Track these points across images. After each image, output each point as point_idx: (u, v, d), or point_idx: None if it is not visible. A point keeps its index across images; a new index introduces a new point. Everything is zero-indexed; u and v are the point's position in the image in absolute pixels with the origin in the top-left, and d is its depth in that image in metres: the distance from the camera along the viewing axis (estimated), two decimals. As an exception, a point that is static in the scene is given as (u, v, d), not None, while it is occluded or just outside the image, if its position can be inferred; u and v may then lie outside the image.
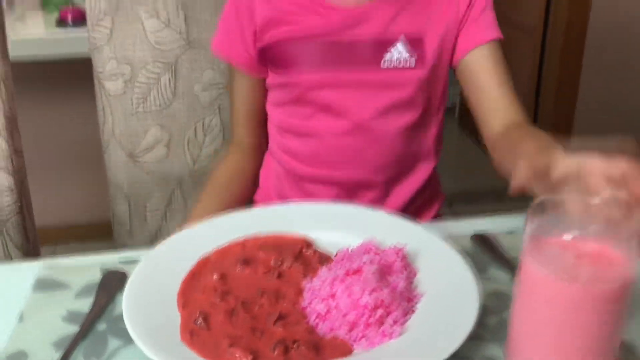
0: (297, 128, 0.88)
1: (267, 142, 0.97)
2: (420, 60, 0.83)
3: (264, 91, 0.92)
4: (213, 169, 0.97)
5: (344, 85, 0.84)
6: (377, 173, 0.87)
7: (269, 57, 0.87)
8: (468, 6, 0.85)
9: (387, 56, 0.82)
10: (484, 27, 0.85)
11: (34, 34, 1.62)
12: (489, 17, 0.86)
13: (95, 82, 1.04)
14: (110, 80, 1.03)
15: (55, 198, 2.08)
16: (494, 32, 0.85)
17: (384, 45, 0.82)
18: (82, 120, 1.97)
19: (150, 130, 1.06)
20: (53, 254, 0.72)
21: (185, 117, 1.06)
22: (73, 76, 2.00)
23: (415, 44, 0.83)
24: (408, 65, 0.83)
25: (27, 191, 0.92)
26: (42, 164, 1.70)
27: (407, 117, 0.85)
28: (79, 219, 2.18)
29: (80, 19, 1.70)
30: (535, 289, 0.45)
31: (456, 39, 0.85)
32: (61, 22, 1.71)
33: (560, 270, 0.43)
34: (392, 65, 0.83)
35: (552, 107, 2.50)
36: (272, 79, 0.89)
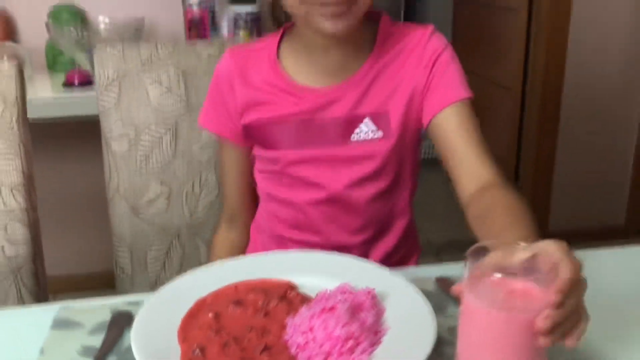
0: (280, 196, 0.96)
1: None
2: (386, 132, 0.90)
3: (251, 159, 1.00)
4: (213, 246, 1.08)
5: (318, 161, 0.92)
6: (355, 236, 0.95)
7: (251, 134, 0.95)
8: (430, 72, 0.89)
9: (356, 131, 0.90)
10: (450, 88, 0.89)
11: (42, 96, 1.74)
12: (456, 77, 0.90)
13: (103, 142, 1.15)
14: (116, 141, 1.14)
15: (62, 248, 2.17)
16: (461, 92, 0.89)
17: (353, 122, 0.90)
18: (87, 176, 2.08)
19: (152, 186, 1.16)
20: (60, 299, 0.81)
21: (184, 174, 1.17)
22: (80, 134, 2.13)
23: (380, 118, 0.90)
24: (376, 137, 0.90)
25: (40, 242, 1.01)
26: (50, 216, 1.79)
27: (379, 185, 0.92)
28: (83, 268, 2.27)
29: (86, 81, 1.82)
30: (473, 318, 0.54)
31: (423, 103, 0.90)
32: (68, 84, 1.82)
33: (492, 303, 0.53)
34: (361, 138, 0.90)
35: (534, 157, 2.62)
36: (256, 150, 0.97)
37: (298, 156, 0.92)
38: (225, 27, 1.90)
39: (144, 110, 1.14)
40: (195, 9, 1.87)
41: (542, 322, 0.51)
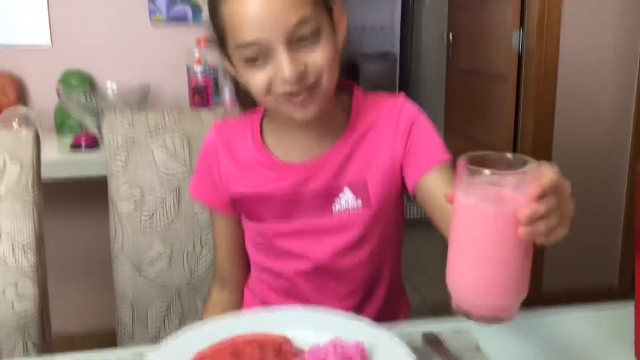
0: (268, 266, 1.01)
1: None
2: (366, 201, 0.93)
3: (242, 227, 1.03)
4: (206, 304, 1.12)
5: (302, 232, 0.95)
6: (344, 301, 0.99)
7: (237, 206, 0.99)
8: (407, 140, 0.93)
9: (337, 202, 0.94)
10: (431, 152, 0.92)
11: (50, 158, 1.81)
12: (434, 141, 0.93)
13: (109, 203, 1.21)
14: (122, 202, 1.20)
15: (66, 305, 2.20)
16: (442, 154, 0.92)
17: (333, 193, 0.94)
18: (92, 234, 2.14)
19: (155, 245, 1.22)
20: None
21: (185, 234, 1.23)
22: (86, 194, 2.20)
23: (359, 187, 0.93)
24: (356, 206, 0.93)
25: (47, 299, 1.06)
26: (55, 273, 1.84)
27: (363, 252, 0.96)
28: (86, 325, 2.29)
29: (92, 144, 1.91)
30: (462, 215, 0.63)
31: (403, 171, 0.94)
32: (75, 146, 1.90)
33: (481, 199, 0.60)
34: (342, 208, 0.93)
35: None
36: (243, 221, 1.01)
37: (282, 229, 0.96)
38: (227, 94, 2.00)
39: (149, 173, 1.21)
40: (199, 77, 1.97)
41: (523, 210, 0.58)
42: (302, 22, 0.82)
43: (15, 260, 1.01)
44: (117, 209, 1.20)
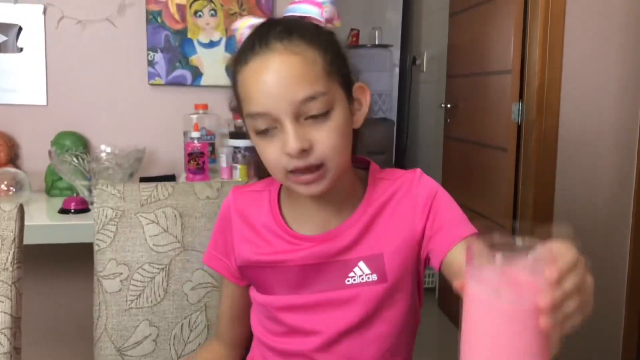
0: (272, 344, 0.95)
1: (247, 339, 1.06)
2: (381, 275, 0.90)
3: (248, 297, 1.01)
4: (195, 354, 1.08)
5: (312, 306, 0.91)
6: None
7: (246, 274, 0.97)
8: (428, 216, 0.90)
9: (351, 274, 0.90)
10: (455, 226, 0.89)
11: (37, 223, 1.74)
12: (457, 215, 0.91)
13: (95, 279, 1.15)
14: (108, 279, 1.14)
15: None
16: (468, 228, 0.89)
17: (348, 266, 0.91)
18: (76, 304, 2.05)
19: (140, 326, 1.14)
20: None
21: (173, 315, 1.15)
22: (72, 259, 2.12)
23: (375, 261, 0.90)
24: (370, 281, 0.90)
25: (21, 385, 0.98)
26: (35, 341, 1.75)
27: (374, 331, 0.91)
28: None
29: (82, 208, 1.84)
30: (475, 305, 0.57)
31: (426, 246, 0.90)
32: (64, 210, 1.84)
33: (495, 290, 0.54)
34: (356, 282, 0.90)
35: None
36: (251, 292, 0.99)
37: (291, 301, 0.92)
38: (224, 160, 1.96)
39: (138, 250, 1.14)
40: (196, 142, 1.93)
41: (543, 298, 0.53)
42: (310, 99, 0.81)
43: (-12, 345, 0.93)
44: (102, 287, 1.14)
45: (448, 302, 3.23)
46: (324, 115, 0.83)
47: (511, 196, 2.70)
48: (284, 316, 0.93)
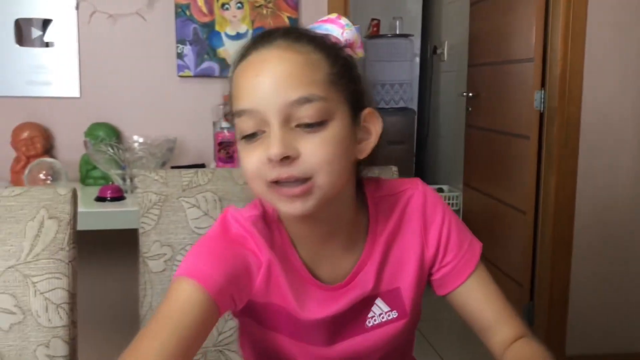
0: None
1: None
2: (402, 310, 0.87)
3: (209, 327, 0.76)
4: None
5: (333, 356, 0.85)
6: None
7: (252, 311, 0.85)
8: (438, 244, 0.87)
9: (370, 314, 0.86)
10: (464, 259, 0.87)
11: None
12: (466, 243, 0.88)
13: (140, 260, 1.21)
14: (152, 260, 1.20)
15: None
16: (471, 261, 0.87)
17: (367, 306, 0.86)
18: (119, 289, 2.12)
19: (184, 304, 1.20)
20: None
21: (214, 293, 1.21)
22: (114, 246, 2.19)
23: (393, 296, 0.86)
24: (391, 318, 0.87)
25: (77, 358, 1.05)
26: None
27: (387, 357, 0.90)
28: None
29: (117, 196, 1.92)
30: None
31: (432, 275, 0.89)
32: (100, 198, 1.91)
33: None
34: (377, 321, 0.86)
35: (549, 280, 2.64)
36: (250, 326, 0.88)
37: (307, 350, 0.85)
38: (252, 149, 2.02)
39: (181, 232, 1.20)
40: (226, 132, 1.99)
41: None
42: (305, 101, 0.73)
43: (49, 319, 1.00)
44: (147, 267, 1.20)
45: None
46: (319, 125, 0.73)
47: (533, 184, 2.73)
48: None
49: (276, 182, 0.74)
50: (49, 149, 2.28)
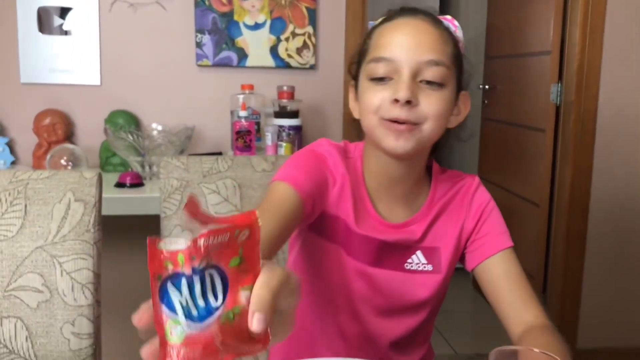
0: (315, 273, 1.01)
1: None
2: (437, 267, 0.99)
3: (300, 214, 0.89)
4: None
5: (371, 277, 0.98)
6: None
7: (321, 221, 0.96)
8: (477, 222, 1.00)
9: (409, 260, 0.99)
10: (497, 237, 0.98)
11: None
12: (501, 227, 1.00)
13: (161, 244, 1.24)
14: (173, 244, 1.23)
15: (116, 343, 2.21)
16: (506, 241, 0.98)
17: (408, 253, 0.99)
18: (141, 272, 2.16)
19: (203, 287, 1.23)
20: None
21: (233, 277, 1.24)
22: (138, 231, 2.23)
23: (432, 253, 0.99)
24: (426, 269, 0.99)
25: (100, 336, 1.08)
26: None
27: (420, 315, 1.01)
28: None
29: (136, 182, 1.95)
30: None
31: (466, 248, 1.00)
32: (119, 184, 1.95)
33: None
34: (413, 268, 0.99)
35: (562, 272, 2.65)
36: (312, 241, 1.00)
37: (352, 264, 0.97)
38: (269, 139, 2.04)
39: (201, 217, 1.23)
40: (243, 121, 2.01)
41: None
42: (434, 63, 0.88)
43: (74, 298, 1.03)
44: (168, 250, 1.23)
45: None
46: (438, 85, 0.89)
47: (548, 177, 2.74)
48: (342, 273, 0.98)
49: (389, 121, 0.88)
50: (69, 136, 2.32)
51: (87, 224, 1.05)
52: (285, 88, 2.22)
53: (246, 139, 2.02)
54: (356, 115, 0.96)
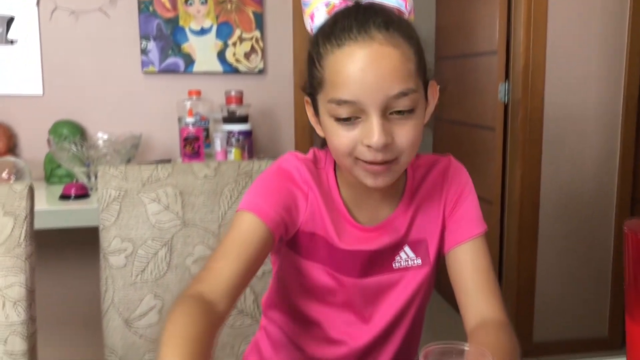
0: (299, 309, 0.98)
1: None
2: (425, 259, 0.96)
3: (266, 251, 0.88)
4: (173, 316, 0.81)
5: (362, 289, 0.95)
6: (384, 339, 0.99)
7: (297, 241, 0.93)
8: (455, 204, 0.96)
9: (397, 258, 0.95)
10: (469, 223, 0.95)
11: (39, 208, 1.79)
12: (474, 212, 0.96)
13: (101, 256, 1.21)
14: (113, 255, 1.20)
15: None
16: (479, 228, 0.95)
17: (395, 250, 0.95)
18: (81, 285, 2.11)
19: (145, 299, 1.20)
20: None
21: (176, 287, 1.22)
22: (76, 244, 2.18)
23: (419, 246, 0.96)
24: (415, 264, 0.96)
25: (36, 353, 1.04)
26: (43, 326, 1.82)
27: (412, 309, 0.98)
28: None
29: (82, 194, 1.90)
30: None
31: (443, 234, 0.97)
32: (64, 196, 1.90)
33: None
34: (402, 265, 0.95)
35: (515, 270, 2.68)
36: (293, 261, 0.95)
37: (338, 280, 0.94)
38: (218, 145, 2.02)
39: (141, 227, 1.20)
40: (191, 127, 1.99)
41: None
42: (402, 95, 0.80)
43: (6, 316, 0.99)
44: (108, 263, 1.20)
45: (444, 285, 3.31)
46: (409, 112, 0.82)
47: (500, 175, 2.77)
48: (326, 296, 0.95)
49: (365, 162, 0.84)
50: (12, 148, 2.25)
51: (17, 239, 1.01)
52: (233, 93, 2.20)
53: (194, 145, 2.00)
54: (320, 133, 0.91)
